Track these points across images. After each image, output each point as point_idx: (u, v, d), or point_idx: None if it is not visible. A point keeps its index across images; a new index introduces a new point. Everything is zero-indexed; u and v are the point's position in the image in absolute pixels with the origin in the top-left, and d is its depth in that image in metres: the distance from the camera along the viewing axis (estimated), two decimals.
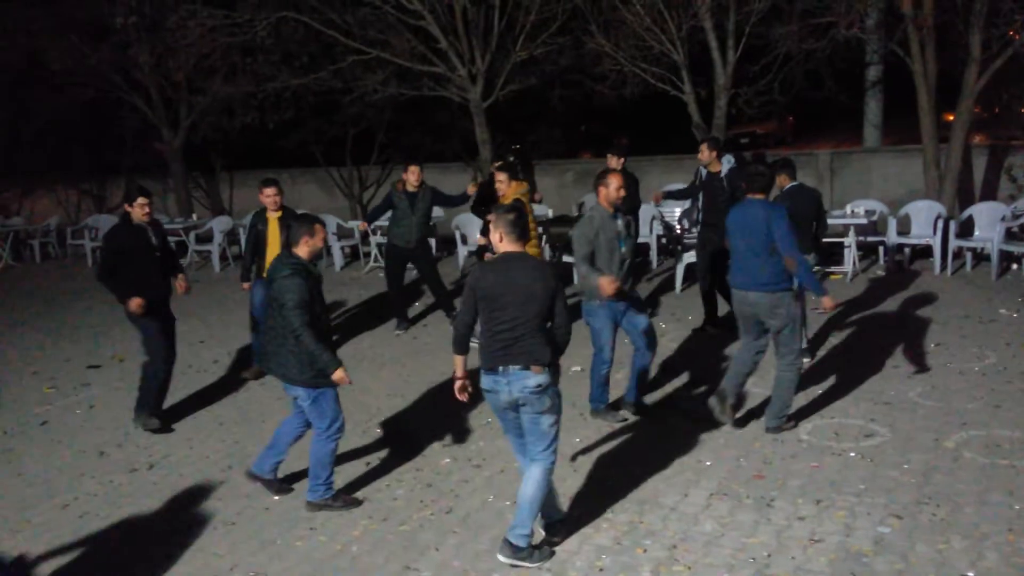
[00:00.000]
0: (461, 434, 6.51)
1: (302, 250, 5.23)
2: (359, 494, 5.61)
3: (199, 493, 5.79)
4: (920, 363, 7.32)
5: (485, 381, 4.61)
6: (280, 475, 5.72)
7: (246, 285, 8.12)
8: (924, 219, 10.96)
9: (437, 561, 4.74)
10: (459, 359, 4.74)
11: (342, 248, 13.79)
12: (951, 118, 12.22)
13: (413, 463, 6.05)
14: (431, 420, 6.83)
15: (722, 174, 8.47)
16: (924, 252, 11.10)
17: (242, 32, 13.74)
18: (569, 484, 5.52)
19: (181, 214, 16.48)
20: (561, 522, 4.87)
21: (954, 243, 10.60)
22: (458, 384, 4.74)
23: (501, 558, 4.60)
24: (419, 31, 13.48)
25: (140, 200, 6.75)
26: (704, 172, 8.70)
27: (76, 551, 5.12)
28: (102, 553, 5.08)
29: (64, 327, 10.67)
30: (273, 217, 7.82)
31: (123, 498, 5.79)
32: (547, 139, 18.06)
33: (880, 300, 9.41)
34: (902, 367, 7.27)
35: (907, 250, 11.02)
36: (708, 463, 5.71)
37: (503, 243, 4.60)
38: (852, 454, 5.71)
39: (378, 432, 6.67)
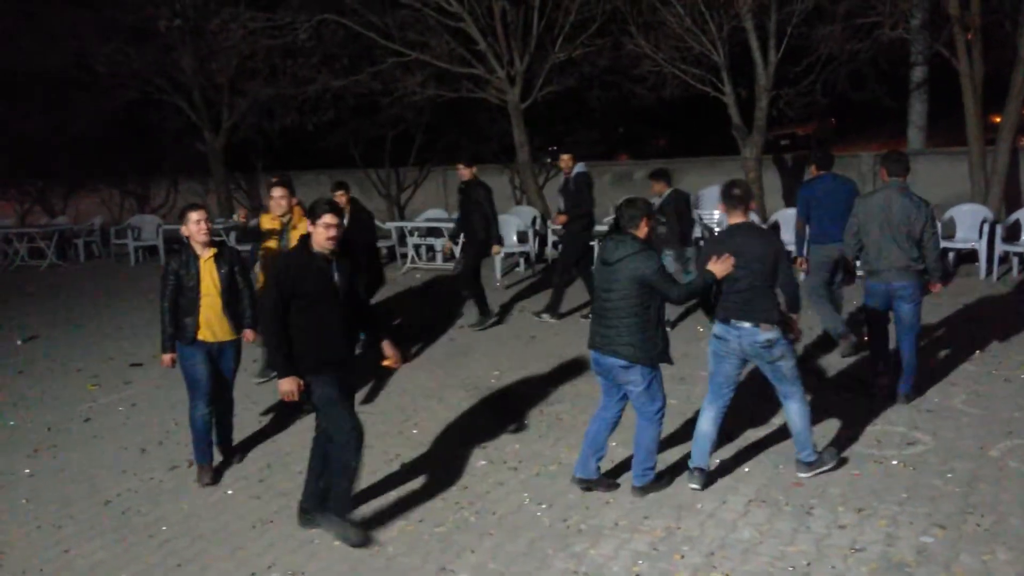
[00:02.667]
0: (497, 436, 6.51)
1: (641, 232, 5.18)
2: (394, 494, 5.63)
3: (238, 491, 5.85)
4: (964, 370, 7.17)
5: (717, 328, 5.37)
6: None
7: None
8: (970, 223, 10.76)
9: (473, 563, 4.74)
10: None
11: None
12: (998, 120, 11.98)
13: (449, 465, 6.06)
14: (467, 422, 6.84)
15: (571, 175, 9.53)
16: (970, 256, 10.90)
17: (283, 34, 13.90)
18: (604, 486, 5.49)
19: (222, 214, 16.69)
20: None
21: (1000, 247, 10.40)
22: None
23: (802, 475, 5.38)
24: (458, 33, 13.54)
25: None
26: (564, 180, 9.73)
27: (118, 547, 5.19)
28: (143, 550, 5.15)
29: (107, 326, 10.86)
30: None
31: (163, 495, 5.87)
32: (585, 141, 18.02)
33: (924, 305, 9.23)
34: (946, 374, 7.14)
35: (952, 254, 10.82)
36: (747, 469, 5.64)
37: (730, 216, 5.34)
38: (894, 462, 5.61)
39: (414, 433, 6.69)
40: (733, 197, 5.34)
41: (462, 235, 10.09)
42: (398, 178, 17.14)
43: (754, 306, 5.18)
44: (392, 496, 5.62)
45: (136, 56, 15.37)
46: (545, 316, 9.77)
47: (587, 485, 5.44)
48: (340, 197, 8.43)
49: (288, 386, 4.86)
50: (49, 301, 12.58)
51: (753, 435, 6.12)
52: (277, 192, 7.35)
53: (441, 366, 8.38)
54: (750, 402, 6.70)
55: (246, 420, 7.16)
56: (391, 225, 14.33)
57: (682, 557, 4.64)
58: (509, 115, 13.99)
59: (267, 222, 7.43)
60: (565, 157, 9.79)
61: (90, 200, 19.06)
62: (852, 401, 6.67)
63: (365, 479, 5.91)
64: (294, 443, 6.57)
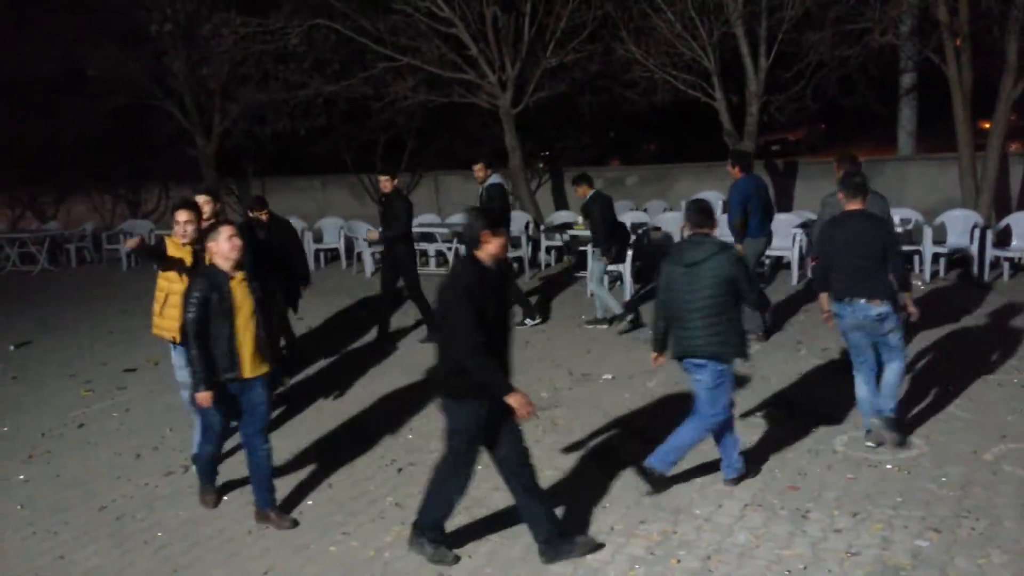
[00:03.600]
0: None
1: (714, 230, 5.42)
2: (391, 499, 5.63)
3: (234, 497, 5.84)
4: (957, 375, 7.21)
5: (834, 306, 5.91)
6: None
7: None
8: (960, 228, 10.83)
9: (470, 568, 4.74)
10: (823, 295, 6.11)
11: (373, 254, 13.85)
12: (987, 126, 12.07)
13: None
14: None
15: (485, 187, 9.57)
16: (960, 262, 10.96)
17: (275, 39, 13.90)
18: (601, 493, 5.51)
19: None
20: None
21: (991, 252, 10.46)
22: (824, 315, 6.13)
23: (885, 433, 5.78)
24: (450, 38, 13.56)
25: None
26: (480, 189, 9.71)
27: (113, 553, 5.18)
28: (138, 556, 5.14)
29: (100, 331, 10.81)
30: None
31: (159, 500, 5.85)
32: (576, 146, 18.08)
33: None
34: (939, 379, 7.18)
35: (943, 260, 10.89)
36: (743, 473, 5.65)
37: (848, 203, 5.89)
38: (889, 466, 5.64)
39: (410, 438, 6.69)
40: (854, 186, 5.87)
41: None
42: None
43: (866, 285, 5.70)
44: (388, 501, 5.62)
45: (128, 61, 15.34)
46: (528, 321, 9.69)
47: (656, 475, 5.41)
48: (258, 213, 8.28)
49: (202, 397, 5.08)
50: (41, 307, 12.53)
51: (749, 440, 6.14)
52: (182, 216, 5.81)
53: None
54: (744, 406, 6.73)
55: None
56: None
57: (678, 561, 4.65)
58: (501, 120, 14.02)
59: (172, 248, 5.98)
60: (478, 167, 9.69)
61: (82, 205, 18.99)
62: (848, 405, 6.70)
63: (360, 484, 5.91)
64: (288, 449, 6.56)
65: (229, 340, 5.02)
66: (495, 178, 9.65)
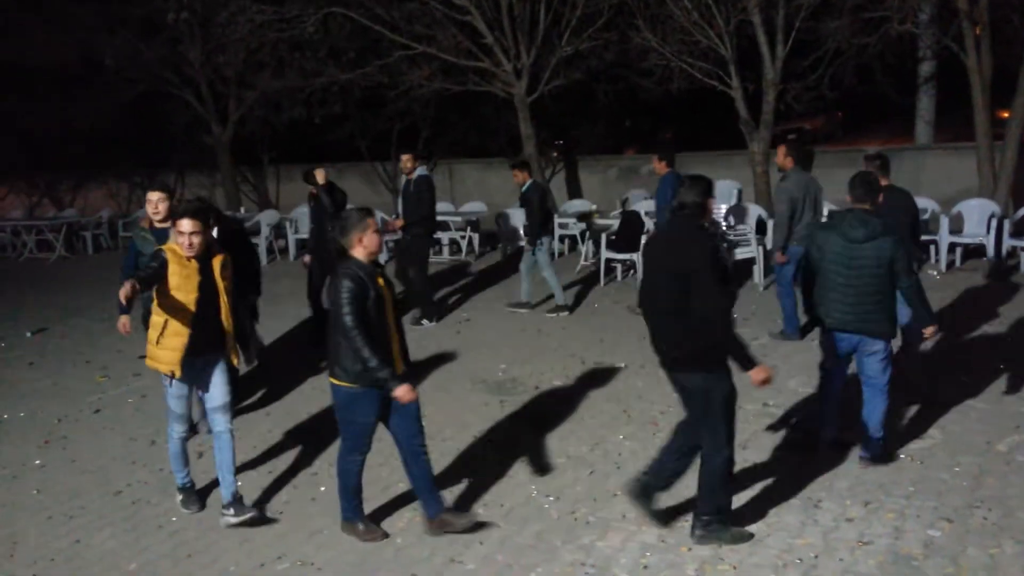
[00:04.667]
0: (504, 430, 6.53)
1: (873, 207, 5.42)
2: (402, 486, 5.64)
3: (248, 483, 5.88)
4: (972, 365, 7.17)
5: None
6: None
7: None
8: (977, 218, 10.74)
9: (481, 554, 4.76)
10: None
11: (386, 243, 13.88)
12: (1007, 115, 11.94)
13: (457, 458, 6.08)
14: (473, 415, 6.86)
15: (413, 180, 9.41)
16: (977, 251, 10.88)
17: (290, 27, 13.91)
18: (613, 482, 5.51)
19: (229, 208, 16.73)
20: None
21: (1008, 243, 10.38)
22: None
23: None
24: (465, 26, 13.53)
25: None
26: (404, 181, 9.58)
27: (128, 538, 5.23)
28: (153, 540, 5.19)
29: (116, 318, 10.85)
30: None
31: (173, 486, 5.86)
32: (591, 134, 18.03)
33: (931, 300, 9.22)
34: (953, 368, 7.13)
35: (959, 249, 10.81)
36: (754, 462, 5.65)
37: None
38: (902, 456, 5.62)
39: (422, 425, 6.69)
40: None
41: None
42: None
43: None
44: (400, 487, 5.64)
45: (144, 49, 15.41)
46: (425, 322, 9.55)
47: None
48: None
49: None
50: (58, 293, 12.63)
51: (760, 428, 6.12)
52: (187, 226, 5.01)
53: (448, 359, 8.40)
54: (757, 395, 6.72)
55: (253, 417, 7.20)
56: None
57: (689, 550, 4.66)
58: (515, 109, 13.99)
59: (175, 264, 5.27)
60: (405, 157, 9.45)
61: (98, 193, 19.13)
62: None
63: (374, 471, 5.94)
64: (300, 436, 6.60)
65: (384, 338, 4.68)
66: (422, 170, 9.47)
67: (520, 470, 5.80)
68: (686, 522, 4.93)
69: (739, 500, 5.15)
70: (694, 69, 12.82)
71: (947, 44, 11.89)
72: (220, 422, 5.23)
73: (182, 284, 5.00)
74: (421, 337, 9.23)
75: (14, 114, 16.33)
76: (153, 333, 5.12)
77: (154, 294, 5.07)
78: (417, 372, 8.00)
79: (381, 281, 4.69)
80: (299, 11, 13.72)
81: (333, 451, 6.29)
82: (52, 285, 13.38)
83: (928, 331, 5.62)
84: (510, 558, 4.70)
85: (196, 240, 4.98)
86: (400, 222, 9.61)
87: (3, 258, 16.25)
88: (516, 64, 13.61)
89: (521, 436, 6.37)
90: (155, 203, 6.19)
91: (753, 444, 5.92)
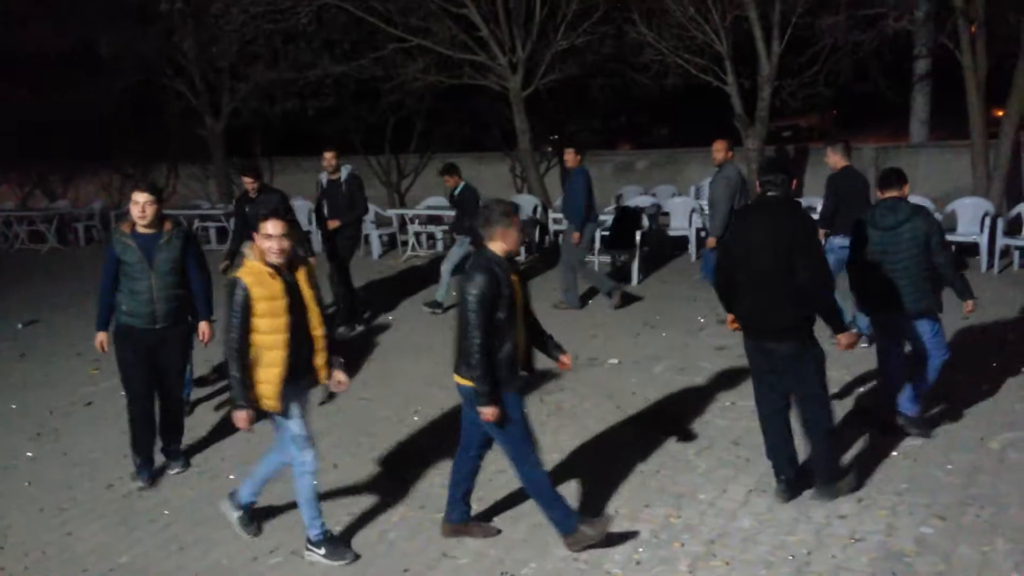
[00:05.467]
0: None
1: (904, 192, 5.75)
2: (396, 480, 5.65)
3: (239, 476, 5.86)
4: (965, 362, 7.18)
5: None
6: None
7: None
8: (971, 216, 10.76)
9: (473, 549, 4.76)
10: None
11: (380, 236, 13.86)
12: (1001, 114, 11.97)
13: (450, 452, 6.05)
14: None
15: (342, 179, 9.16)
16: (970, 250, 10.90)
17: (284, 19, 13.85)
18: (606, 478, 5.51)
19: (222, 199, 16.68)
20: None
21: (1001, 241, 10.41)
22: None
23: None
24: (460, 19, 13.50)
25: None
26: (324, 179, 9.29)
27: (120, 530, 5.21)
28: (145, 533, 5.17)
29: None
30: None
31: (164, 479, 5.88)
32: (586, 129, 17.99)
33: None
34: (947, 367, 7.13)
35: (953, 247, 10.81)
36: (747, 459, 5.66)
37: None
38: (894, 453, 5.62)
39: (416, 420, 6.70)
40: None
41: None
42: (399, 165, 17.10)
43: None
44: (394, 482, 5.63)
45: (139, 39, 15.32)
46: (343, 330, 9.06)
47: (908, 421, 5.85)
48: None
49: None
50: (50, 285, 12.57)
51: (753, 425, 6.13)
52: (273, 227, 4.41)
53: (441, 353, 8.37)
54: (749, 393, 6.73)
55: None
56: (392, 212, 14.33)
57: (682, 545, 4.66)
58: (510, 103, 13.97)
59: (256, 283, 4.71)
60: (329, 155, 9.12)
61: (90, 184, 19.03)
62: (854, 389, 6.68)
63: (367, 466, 5.93)
64: None
65: (512, 337, 4.43)
66: (348, 168, 9.22)
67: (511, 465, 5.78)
68: (677, 519, 4.94)
69: (732, 497, 5.15)
70: (690, 64, 12.81)
71: (942, 42, 11.90)
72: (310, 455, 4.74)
73: (269, 309, 4.42)
74: (414, 332, 9.22)
75: (6, 102, 16.22)
76: (241, 374, 4.48)
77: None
78: (411, 366, 7.99)
79: (515, 278, 4.48)
80: (293, 2, 13.67)
81: (327, 446, 6.29)
82: (44, 277, 13.32)
83: (968, 306, 5.90)
84: (503, 553, 4.70)
85: (286, 244, 4.42)
86: (335, 223, 9.12)
87: None
88: (511, 58, 13.58)
89: None
90: (142, 205, 5.52)
91: (745, 441, 5.92)
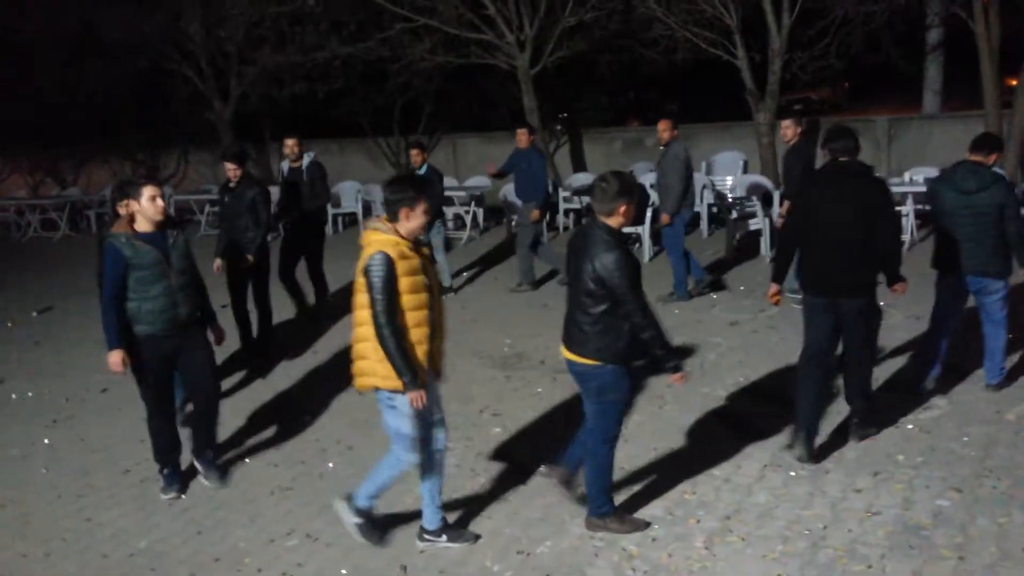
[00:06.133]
0: (510, 404, 6.53)
1: (991, 160, 5.88)
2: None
3: (256, 460, 5.90)
4: (980, 334, 7.12)
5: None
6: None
7: None
8: None
9: (490, 528, 4.77)
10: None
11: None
12: (1014, 83, 11.82)
13: (464, 432, 6.08)
14: (480, 390, 6.86)
15: (303, 166, 8.82)
16: None
17: (291, 1, 13.77)
18: (621, 455, 5.49)
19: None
20: None
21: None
22: None
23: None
24: None
25: None
26: (286, 167, 9.00)
27: (138, 515, 5.25)
28: (163, 518, 5.21)
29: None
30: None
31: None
32: (594, 106, 17.89)
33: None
34: (961, 338, 7.07)
35: None
36: (761, 434, 5.64)
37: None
38: (910, 426, 5.60)
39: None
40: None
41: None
42: (407, 147, 17.03)
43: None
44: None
45: (145, 24, 15.28)
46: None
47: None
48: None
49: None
50: (63, 272, 12.63)
51: (766, 401, 6.12)
52: (424, 206, 4.31)
53: (452, 334, 8.33)
54: (763, 368, 6.71)
55: (261, 391, 7.21)
56: None
57: (698, 522, 4.66)
58: (519, 81, 13.88)
59: (400, 259, 4.42)
60: (291, 142, 8.76)
61: (101, 171, 19.05)
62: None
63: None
64: (312, 408, 6.61)
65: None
66: (310, 155, 8.98)
67: (526, 444, 5.80)
68: (692, 495, 4.94)
69: (747, 472, 5.15)
70: (699, 39, 12.68)
71: (955, 11, 11.74)
72: (442, 439, 4.66)
73: (411, 285, 4.23)
74: None
75: (16, 90, 16.24)
76: (369, 346, 4.26)
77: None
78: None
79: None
80: None
81: (341, 426, 6.30)
82: (57, 264, 13.39)
83: None
84: (518, 531, 4.71)
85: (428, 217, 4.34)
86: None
87: (7, 237, 16.25)
88: (519, 36, 13.48)
89: (527, 410, 6.37)
90: (157, 199, 5.05)
91: (759, 417, 5.90)
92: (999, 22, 11.04)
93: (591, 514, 4.63)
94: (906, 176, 10.76)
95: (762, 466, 5.22)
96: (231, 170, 7.63)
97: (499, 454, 5.69)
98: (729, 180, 12.60)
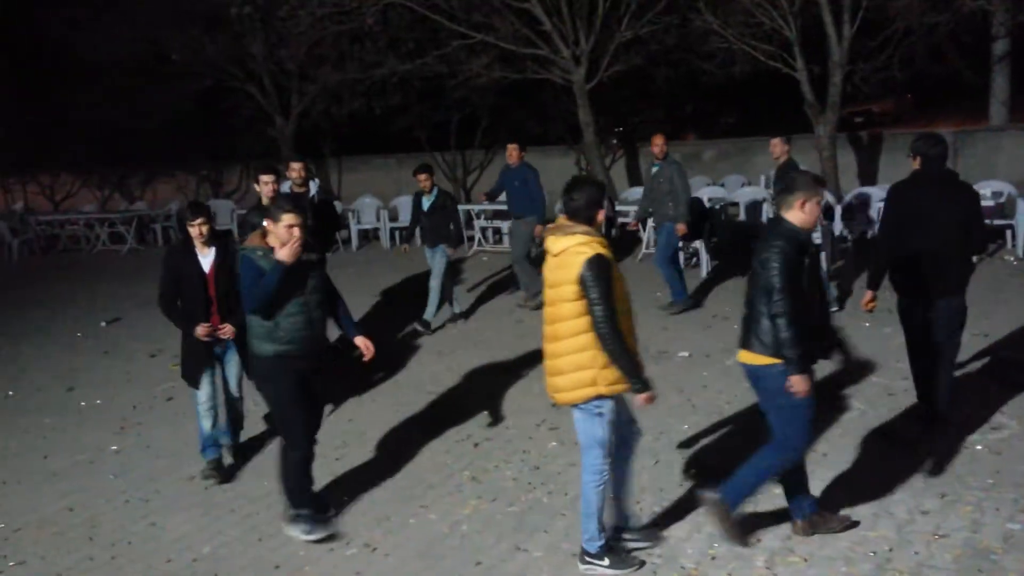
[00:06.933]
0: (566, 418, 6.49)
1: None
2: (467, 473, 5.69)
3: (316, 470, 5.96)
4: None
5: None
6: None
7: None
8: None
9: (546, 543, 4.76)
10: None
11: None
12: None
13: (520, 445, 6.09)
14: (537, 403, 6.85)
15: (310, 194, 8.27)
16: None
17: (350, 19, 14.02)
18: (678, 470, 5.46)
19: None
20: None
21: None
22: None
23: None
24: (523, 13, 13.48)
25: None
26: (289, 190, 8.32)
27: (202, 521, 5.35)
28: (225, 524, 5.30)
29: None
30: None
31: (244, 471, 6.03)
32: (651, 120, 17.81)
33: (1007, 285, 8.94)
34: None
35: None
36: (825, 452, 5.54)
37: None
38: (979, 447, 5.44)
39: (485, 415, 6.73)
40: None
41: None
42: (464, 161, 17.18)
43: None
44: (465, 475, 5.67)
45: (209, 44, 15.68)
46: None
47: None
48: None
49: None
50: (130, 284, 12.95)
51: (830, 418, 6.00)
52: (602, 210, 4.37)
53: (506, 345, 8.40)
54: (826, 381, 6.59)
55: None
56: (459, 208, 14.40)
57: (760, 541, 4.58)
58: (574, 95, 13.90)
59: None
60: (296, 166, 8.26)
61: (166, 186, 19.57)
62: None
63: (438, 458, 5.98)
64: (369, 421, 6.68)
65: (809, 310, 4.27)
66: (317, 183, 8.83)
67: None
68: (757, 513, 4.86)
69: (813, 490, 5.05)
70: (757, 51, 12.56)
71: (1022, 20, 11.45)
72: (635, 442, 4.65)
73: (621, 286, 4.28)
74: (482, 326, 9.25)
75: (85, 109, 16.77)
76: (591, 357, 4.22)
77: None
78: (477, 360, 8.01)
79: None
80: (359, 3, 13.82)
81: (402, 438, 6.35)
82: (124, 276, 13.73)
83: None
84: (575, 546, 4.68)
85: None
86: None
87: (77, 250, 16.75)
88: (575, 50, 13.51)
89: None
90: (293, 227, 4.72)
91: (822, 433, 5.80)
92: None
93: (800, 518, 4.55)
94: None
95: (825, 484, 5.12)
96: (269, 184, 7.08)
97: (555, 468, 5.68)
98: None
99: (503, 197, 10.26)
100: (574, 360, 4.18)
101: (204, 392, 5.90)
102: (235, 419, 6.19)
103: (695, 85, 16.13)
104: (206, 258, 5.84)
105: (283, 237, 4.70)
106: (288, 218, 4.70)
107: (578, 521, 4.92)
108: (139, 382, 8.19)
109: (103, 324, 10.57)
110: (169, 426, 7.00)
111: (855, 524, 4.60)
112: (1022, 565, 4.17)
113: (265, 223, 4.82)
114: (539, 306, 9.00)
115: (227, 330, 5.81)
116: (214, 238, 5.82)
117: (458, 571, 4.57)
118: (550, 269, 4.24)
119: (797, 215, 4.27)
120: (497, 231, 13.81)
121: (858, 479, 5.15)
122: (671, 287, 9.12)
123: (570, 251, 4.12)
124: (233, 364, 6.02)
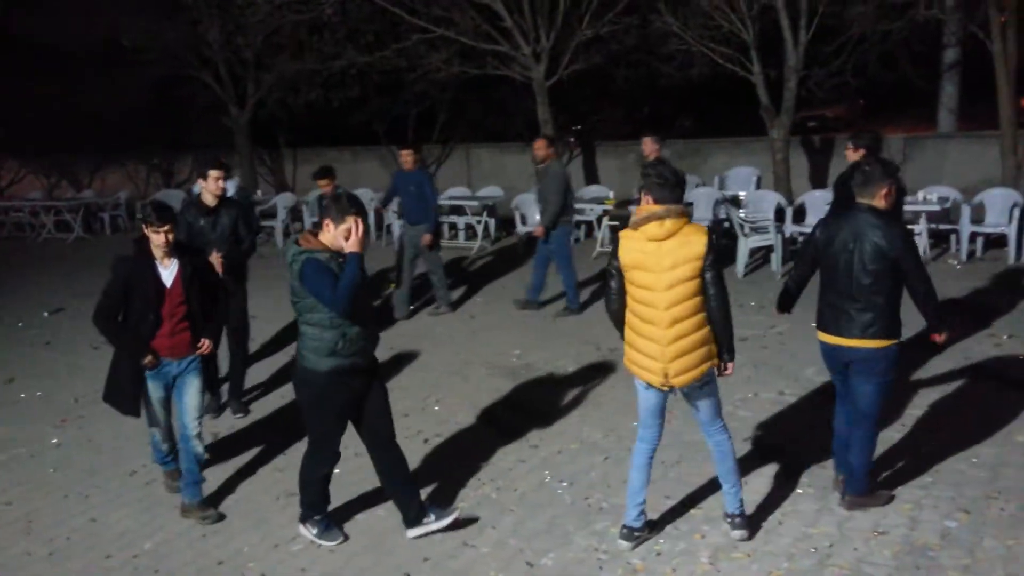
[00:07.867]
0: (518, 414, 6.52)
1: None
2: (416, 470, 5.66)
3: (261, 465, 5.90)
4: (990, 356, 7.08)
5: None
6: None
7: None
8: (1000, 207, 10.58)
9: (494, 539, 4.76)
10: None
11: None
12: None
13: (471, 442, 6.07)
14: (488, 400, 6.85)
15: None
16: (998, 241, 10.73)
17: (309, 9, 13.90)
18: (626, 467, 5.48)
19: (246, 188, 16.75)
20: None
21: None
22: None
23: None
24: (484, 9, 13.46)
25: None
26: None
27: (143, 517, 5.26)
28: (168, 520, 5.21)
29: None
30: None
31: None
32: (609, 120, 17.92)
33: (951, 290, 9.14)
34: (973, 359, 7.05)
35: (980, 239, 10.67)
36: (770, 448, 5.61)
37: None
38: (920, 447, 5.55)
39: (436, 410, 6.71)
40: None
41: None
42: (421, 155, 17.10)
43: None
44: (413, 472, 5.63)
45: (164, 31, 15.42)
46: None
47: None
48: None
49: None
50: (76, 274, 12.69)
51: (774, 416, 6.08)
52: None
53: (463, 344, 8.39)
54: (773, 384, 6.68)
55: (269, 399, 7.22)
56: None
57: (703, 537, 4.63)
58: (534, 92, 13.92)
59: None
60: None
61: (116, 174, 19.22)
62: None
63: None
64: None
65: None
66: (236, 181, 8.60)
67: (533, 455, 5.79)
68: (698, 510, 4.91)
69: (754, 488, 5.11)
70: (715, 54, 12.69)
71: (972, 30, 11.72)
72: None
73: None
74: (435, 322, 9.23)
75: (34, 95, 16.40)
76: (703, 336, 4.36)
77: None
78: (431, 357, 8.00)
79: None
80: None
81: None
82: (70, 266, 13.45)
83: None
84: (523, 543, 4.70)
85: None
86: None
87: (22, 238, 16.36)
88: (535, 47, 13.52)
89: (535, 421, 6.35)
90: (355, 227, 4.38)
91: (767, 432, 5.88)
92: (1016, 42, 11.00)
93: (854, 493, 4.76)
94: (920, 195, 10.70)
95: (769, 482, 5.18)
96: (215, 179, 6.52)
97: (505, 465, 5.67)
98: (743, 194, 12.55)
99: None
100: (700, 336, 4.35)
101: (160, 432, 5.26)
102: (193, 461, 5.13)
103: (654, 86, 16.25)
104: (167, 270, 5.07)
105: (345, 233, 4.34)
106: (352, 220, 4.34)
107: (528, 518, 4.93)
108: (82, 374, 8.02)
109: (46, 314, 10.34)
110: (111, 420, 6.82)
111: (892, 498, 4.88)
112: (958, 561, 4.27)
113: (325, 222, 4.37)
114: (454, 309, 9.02)
115: (206, 346, 5.16)
116: (176, 247, 5.07)
117: (405, 567, 4.55)
118: (653, 254, 4.24)
119: (880, 202, 4.54)
120: (452, 226, 13.77)
121: (800, 477, 5.21)
122: (568, 290, 9.10)
123: (686, 230, 4.25)
124: (192, 392, 5.11)
